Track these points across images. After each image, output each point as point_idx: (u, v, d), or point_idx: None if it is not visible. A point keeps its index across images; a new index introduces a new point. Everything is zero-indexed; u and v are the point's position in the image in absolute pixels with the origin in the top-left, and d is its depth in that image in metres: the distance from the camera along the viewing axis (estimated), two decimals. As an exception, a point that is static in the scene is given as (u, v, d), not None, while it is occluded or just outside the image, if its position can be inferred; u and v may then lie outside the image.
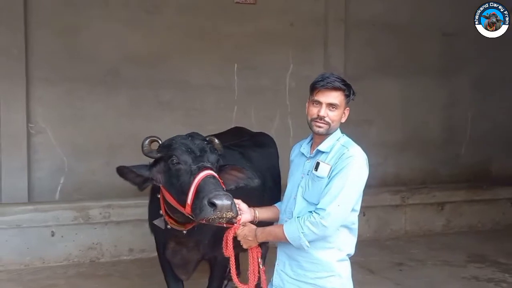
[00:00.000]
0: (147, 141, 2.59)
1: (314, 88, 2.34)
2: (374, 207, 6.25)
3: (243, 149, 3.53)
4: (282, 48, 6.46)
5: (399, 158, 7.05)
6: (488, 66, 7.30)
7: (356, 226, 2.41)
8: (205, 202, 2.19)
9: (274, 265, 2.52)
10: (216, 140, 2.74)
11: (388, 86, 6.95)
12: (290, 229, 2.27)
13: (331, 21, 6.62)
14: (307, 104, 2.41)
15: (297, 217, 2.29)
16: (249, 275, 2.46)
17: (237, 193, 3.05)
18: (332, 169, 2.28)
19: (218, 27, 6.16)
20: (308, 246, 2.26)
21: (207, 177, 2.32)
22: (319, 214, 2.21)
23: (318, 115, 2.31)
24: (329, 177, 2.28)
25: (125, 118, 5.85)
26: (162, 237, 2.97)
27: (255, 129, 4.62)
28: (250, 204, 2.96)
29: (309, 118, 2.36)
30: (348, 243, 2.38)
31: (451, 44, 7.14)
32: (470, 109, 7.37)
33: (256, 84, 6.36)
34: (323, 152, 2.36)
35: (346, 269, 2.39)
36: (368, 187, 7.46)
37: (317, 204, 2.27)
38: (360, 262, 5.21)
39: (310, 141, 2.49)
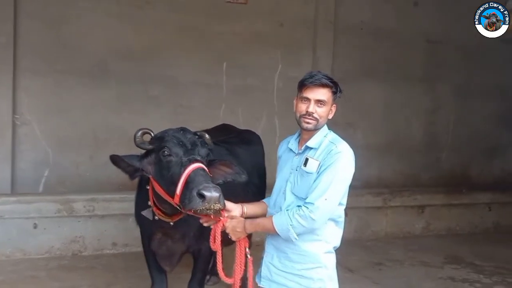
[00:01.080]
0: (139, 133, 2.64)
1: (303, 85, 2.41)
2: (357, 208, 6.36)
3: (229, 145, 3.59)
4: (271, 49, 6.53)
5: (382, 161, 7.18)
6: (470, 74, 7.49)
7: (342, 219, 2.51)
8: (194, 193, 2.24)
9: (261, 258, 2.57)
10: (207, 135, 2.80)
11: (373, 91, 7.08)
12: (279, 221, 2.34)
13: (321, 24, 6.72)
14: (295, 102, 2.48)
15: (286, 210, 2.36)
16: (235, 268, 2.50)
17: (223, 187, 3.12)
18: (320, 164, 2.36)
19: (209, 25, 6.19)
20: (296, 238, 2.33)
21: (197, 169, 2.38)
22: (308, 208, 2.29)
23: (307, 111, 2.38)
24: (318, 172, 2.35)
25: (112, 112, 5.84)
26: (148, 228, 3.01)
27: (242, 127, 4.69)
28: (234, 199, 3.02)
29: (298, 115, 2.43)
30: (334, 235, 2.47)
31: (435, 51, 7.31)
32: (451, 115, 7.55)
33: (244, 83, 6.41)
34: (311, 148, 2.43)
35: (332, 260, 2.47)
36: (351, 188, 7.57)
37: (305, 199, 2.34)
38: (340, 260, 5.18)
39: (297, 137, 2.56)
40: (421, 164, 7.37)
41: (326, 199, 2.30)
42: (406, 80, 7.23)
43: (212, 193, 2.23)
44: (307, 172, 2.37)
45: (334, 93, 2.43)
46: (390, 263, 5.39)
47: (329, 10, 6.71)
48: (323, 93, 2.38)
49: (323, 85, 2.38)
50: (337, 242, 2.50)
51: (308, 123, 2.39)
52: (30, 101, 5.58)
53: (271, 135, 6.22)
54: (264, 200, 2.71)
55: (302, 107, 2.40)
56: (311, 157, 2.39)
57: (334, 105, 2.47)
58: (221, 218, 2.45)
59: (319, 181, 2.32)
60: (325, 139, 2.43)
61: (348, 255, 5.50)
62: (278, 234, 2.36)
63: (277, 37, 6.55)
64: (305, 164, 2.39)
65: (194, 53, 6.14)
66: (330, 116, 2.47)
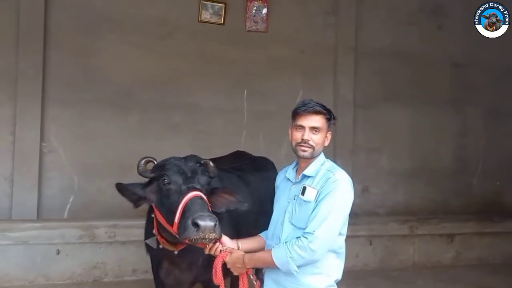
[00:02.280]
0: (142, 161, 2.68)
1: (296, 113, 2.43)
2: (382, 236, 6.18)
3: (242, 172, 3.57)
4: (291, 75, 6.56)
5: (409, 187, 6.98)
6: (500, 96, 7.25)
7: (343, 251, 2.43)
8: (189, 222, 2.23)
9: None
10: (211, 163, 2.79)
11: (398, 115, 6.95)
12: (278, 254, 2.28)
13: (341, 50, 6.71)
14: (290, 131, 2.49)
15: (285, 242, 2.31)
16: None
17: (234, 216, 3.10)
18: (318, 193, 2.32)
19: (229, 53, 6.30)
20: (297, 271, 2.26)
21: (194, 197, 2.37)
22: (307, 238, 2.23)
23: (302, 139, 2.38)
24: (316, 201, 2.32)
25: (135, 139, 5.96)
26: (156, 257, 3.01)
27: (263, 153, 4.67)
28: (247, 227, 2.99)
29: (294, 144, 2.44)
30: (336, 268, 2.39)
31: (462, 74, 7.14)
32: (482, 139, 7.28)
33: (265, 109, 6.43)
34: (309, 177, 2.41)
35: None
36: (376, 215, 7.39)
37: (304, 229, 2.29)
38: (363, 291, 5.14)
39: (295, 166, 2.55)
40: (451, 190, 7.11)
41: (326, 229, 2.24)
42: (432, 103, 7.06)
43: (207, 222, 2.21)
44: (305, 201, 2.34)
45: (328, 119, 2.43)
46: (417, 295, 5.17)
47: (349, 35, 6.70)
48: (317, 120, 2.39)
49: (317, 112, 2.39)
50: (338, 275, 2.42)
51: (304, 151, 2.39)
52: (57, 130, 5.78)
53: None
54: (261, 234, 2.66)
55: (297, 135, 2.40)
56: (309, 186, 2.37)
57: (329, 132, 2.47)
58: (221, 250, 2.41)
59: (318, 210, 2.27)
60: (322, 167, 2.41)
61: (372, 286, 5.35)
62: (278, 268, 2.30)
63: (298, 63, 6.59)
64: (303, 193, 2.36)
65: (214, 80, 6.24)
66: (326, 143, 2.46)
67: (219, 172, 2.98)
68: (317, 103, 2.42)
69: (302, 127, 2.39)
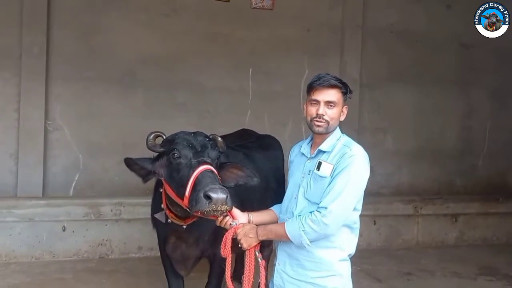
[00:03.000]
0: (151, 136, 2.66)
1: (311, 87, 2.37)
2: (386, 216, 6.21)
3: (247, 150, 3.56)
4: (297, 54, 6.49)
5: (414, 168, 6.97)
6: (506, 78, 7.18)
7: (357, 226, 2.41)
8: (201, 194, 2.22)
9: (273, 265, 2.52)
10: (219, 138, 2.78)
11: (403, 95, 6.89)
12: (291, 227, 2.28)
13: (348, 28, 6.63)
14: (304, 106, 2.44)
15: (299, 216, 2.30)
16: (244, 277, 2.43)
17: (240, 192, 3.10)
18: (334, 168, 2.29)
19: (235, 31, 6.22)
20: (308, 244, 2.26)
21: (205, 171, 2.36)
22: (320, 213, 2.22)
23: (317, 114, 2.33)
24: (332, 176, 2.28)
25: (140, 118, 5.93)
26: (163, 232, 3.02)
27: (268, 133, 4.61)
28: (252, 204, 2.99)
29: (308, 119, 2.38)
30: (349, 243, 2.38)
31: (469, 55, 7.06)
32: (488, 120, 7.24)
33: (270, 89, 6.39)
34: (324, 152, 2.37)
35: (347, 269, 2.39)
36: (381, 195, 7.39)
37: (318, 204, 2.28)
38: (367, 270, 5.18)
39: (310, 141, 2.50)
40: (455, 171, 7.09)
41: (340, 204, 2.22)
42: (438, 84, 7.00)
43: (219, 195, 2.21)
44: (321, 176, 2.31)
45: (344, 93, 2.37)
46: (421, 274, 5.19)
47: (356, 14, 6.61)
48: (332, 94, 2.33)
49: (332, 86, 2.33)
50: (352, 250, 2.41)
51: (319, 126, 2.34)
52: (62, 108, 5.76)
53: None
54: (273, 208, 2.64)
55: (312, 110, 2.35)
56: (324, 161, 2.33)
57: (345, 106, 2.41)
58: (232, 224, 2.41)
59: (333, 185, 2.25)
60: (338, 142, 2.37)
61: (377, 265, 5.37)
62: (291, 241, 2.30)
63: (304, 42, 6.51)
64: (318, 168, 2.33)
65: (219, 60, 6.19)
66: (342, 118, 2.41)
67: (226, 150, 2.97)
68: (333, 77, 2.35)
69: (317, 102, 2.33)
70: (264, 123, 6.32)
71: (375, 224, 6.11)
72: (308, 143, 2.51)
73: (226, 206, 2.24)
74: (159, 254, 5.16)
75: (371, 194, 6.60)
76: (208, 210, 2.22)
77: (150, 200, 5.24)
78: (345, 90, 2.37)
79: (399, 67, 6.83)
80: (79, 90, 5.82)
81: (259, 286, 2.53)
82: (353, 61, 6.65)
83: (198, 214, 2.32)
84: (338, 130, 2.43)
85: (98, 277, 4.73)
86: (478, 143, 7.25)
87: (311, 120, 2.37)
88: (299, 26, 6.50)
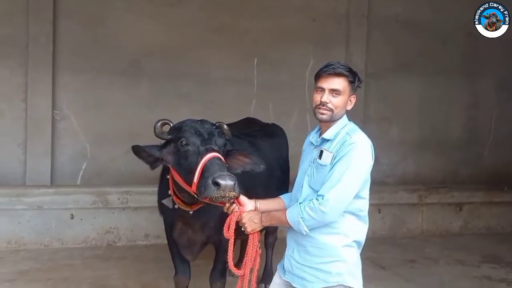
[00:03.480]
0: (159, 124, 2.70)
1: (318, 75, 2.37)
2: (390, 204, 6.24)
3: (252, 138, 3.60)
4: (302, 44, 6.49)
5: (419, 157, 6.98)
6: (512, 67, 7.15)
7: (365, 214, 2.40)
8: (210, 181, 2.27)
9: (283, 251, 2.55)
10: (225, 126, 2.82)
11: (409, 85, 6.89)
12: (291, 214, 2.32)
13: (353, 18, 6.62)
14: (313, 94, 2.43)
15: (300, 203, 2.33)
16: (245, 262, 2.48)
17: (245, 180, 3.14)
18: (334, 156, 2.30)
19: (239, 21, 6.23)
20: (306, 231, 2.28)
21: (213, 158, 2.41)
22: (318, 200, 2.23)
23: (321, 101, 2.33)
24: (331, 164, 2.30)
25: (146, 108, 5.98)
26: (170, 218, 3.08)
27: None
28: (257, 192, 3.03)
29: (313, 106, 2.39)
30: (355, 229, 2.37)
31: (475, 44, 7.01)
32: (494, 110, 7.23)
33: (275, 79, 6.40)
34: (328, 140, 2.38)
35: (352, 255, 2.37)
36: (385, 184, 7.40)
37: None
38: (372, 257, 5.22)
39: (318, 129, 2.51)
40: (460, 161, 7.10)
41: (338, 192, 2.23)
42: (444, 74, 6.98)
43: (227, 181, 2.25)
44: (321, 165, 2.33)
45: (351, 82, 2.35)
46: (424, 261, 5.24)
47: (362, 3, 6.60)
48: (338, 83, 2.31)
49: (338, 74, 2.31)
50: (359, 237, 2.40)
51: (322, 113, 2.34)
52: (69, 98, 5.82)
53: (303, 132, 6.14)
54: (282, 196, 2.66)
55: (317, 97, 2.35)
56: (325, 149, 2.34)
57: (353, 95, 2.39)
58: (237, 209, 2.46)
59: (332, 173, 2.26)
60: (342, 131, 2.36)
61: (381, 253, 5.42)
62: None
63: (309, 32, 6.51)
64: (320, 156, 2.35)
65: (224, 50, 6.20)
66: (349, 107, 2.40)
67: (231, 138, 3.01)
68: (341, 65, 2.34)
69: (322, 89, 2.33)
70: (269, 113, 6.33)
71: (379, 213, 6.15)
72: (317, 132, 2.52)
73: (234, 193, 2.29)
74: (165, 241, 5.25)
75: (375, 183, 6.54)
76: (216, 196, 2.27)
77: (156, 189, 5.33)
78: (353, 79, 2.35)
79: (404, 57, 6.82)
80: (86, 80, 5.87)
81: (251, 271, 2.55)
82: (358, 51, 6.64)
83: (206, 200, 2.37)
84: (344, 118, 2.42)
85: (107, 263, 4.81)
86: (484, 133, 7.24)
87: (316, 107, 2.37)
88: (304, 16, 6.50)
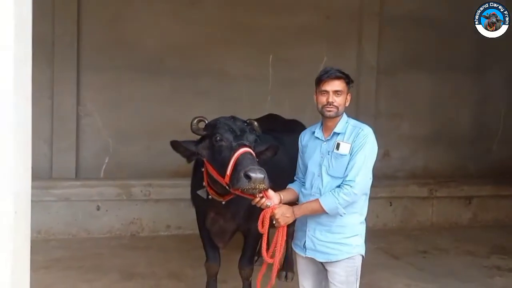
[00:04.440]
0: (195, 121, 2.94)
1: (320, 80, 2.77)
2: (401, 197, 6.44)
3: (276, 133, 3.81)
4: (316, 41, 6.67)
5: (429, 152, 7.16)
6: (522, 63, 7.29)
7: (369, 192, 2.85)
8: (242, 174, 2.52)
9: (295, 230, 2.93)
10: (255, 123, 3.05)
11: (420, 81, 7.06)
12: (327, 202, 2.68)
13: (366, 16, 6.78)
14: (315, 97, 2.83)
15: (330, 191, 2.68)
16: (276, 251, 2.76)
17: (271, 174, 3.37)
18: (352, 146, 2.71)
19: (255, 19, 6.42)
20: (345, 213, 2.69)
21: (245, 153, 2.66)
22: (350, 185, 2.64)
23: (328, 102, 2.73)
24: (351, 153, 2.71)
25: (166, 105, 6.20)
26: (203, 208, 3.30)
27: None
28: (281, 184, 3.26)
29: (320, 106, 2.78)
30: (365, 207, 2.84)
31: (485, 40, 7.11)
32: (503, 105, 7.39)
33: (290, 76, 6.58)
34: (339, 134, 2.78)
35: (364, 229, 2.85)
36: (396, 178, 7.53)
37: (341, 178, 2.70)
38: (385, 248, 5.44)
39: (321, 126, 2.89)
40: (470, 155, 7.27)
41: (363, 175, 2.67)
42: (454, 70, 7.14)
43: (257, 174, 2.50)
44: (341, 155, 2.72)
45: (347, 83, 2.79)
46: (435, 252, 5.44)
47: (374, 1, 6.76)
48: (338, 84, 2.74)
49: (338, 78, 2.74)
50: (366, 213, 2.85)
51: (330, 111, 2.74)
52: (92, 95, 6.06)
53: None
54: (291, 186, 2.99)
55: (323, 99, 2.75)
56: (341, 141, 2.74)
57: (349, 94, 2.81)
58: (268, 204, 2.69)
59: (355, 160, 2.67)
60: (348, 125, 2.79)
61: (393, 243, 5.63)
62: (324, 213, 2.69)
63: (323, 30, 6.69)
64: (337, 148, 2.73)
65: (241, 47, 6.40)
66: (347, 104, 2.82)
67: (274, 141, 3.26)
68: (337, 70, 2.75)
69: (327, 92, 2.73)
70: (285, 109, 6.50)
71: (391, 205, 6.36)
72: (320, 128, 2.89)
73: (263, 185, 2.54)
74: (186, 233, 5.53)
75: (387, 177, 6.87)
76: (247, 188, 2.52)
77: (177, 182, 5.55)
78: (348, 80, 2.78)
79: (415, 54, 6.98)
80: (108, 77, 6.09)
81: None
82: (370, 48, 6.82)
83: (238, 192, 2.62)
84: (345, 114, 2.84)
85: (133, 252, 5.07)
86: (493, 128, 7.41)
87: (322, 107, 2.76)
88: (318, 13, 6.67)
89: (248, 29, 6.42)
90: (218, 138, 2.80)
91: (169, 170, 5.88)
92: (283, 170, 3.36)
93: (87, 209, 5.52)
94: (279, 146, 3.11)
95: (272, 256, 2.75)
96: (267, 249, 2.73)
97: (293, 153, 3.77)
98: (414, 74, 7.01)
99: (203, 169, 3.02)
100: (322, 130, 2.86)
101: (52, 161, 5.93)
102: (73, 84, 5.91)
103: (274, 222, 2.74)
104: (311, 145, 2.91)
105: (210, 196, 3.05)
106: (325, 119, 2.79)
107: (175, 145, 2.89)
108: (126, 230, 5.61)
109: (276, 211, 2.70)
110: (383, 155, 6.88)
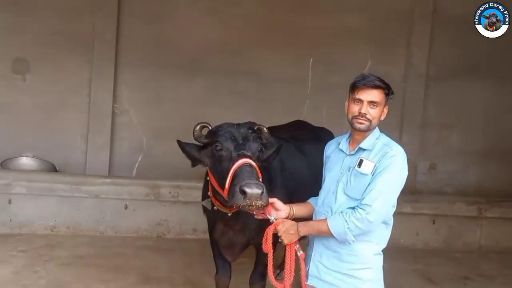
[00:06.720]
0: (198, 127, 2.74)
1: (355, 87, 2.41)
2: (447, 216, 5.93)
3: (299, 142, 3.57)
4: (360, 44, 6.33)
5: (481, 168, 6.60)
6: None
7: (392, 222, 2.47)
8: (237, 189, 2.28)
9: (305, 255, 2.56)
10: (265, 129, 2.81)
11: (474, 90, 6.51)
12: (335, 224, 2.34)
13: (417, 17, 6.35)
14: (346, 103, 2.49)
15: (341, 212, 2.35)
16: (285, 273, 2.49)
17: (289, 184, 3.12)
18: (376, 166, 2.35)
19: (296, 19, 6.18)
20: (353, 241, 2.34)
21: (243, 165, 2.40)
22: (364, 210, 2.29)
23: (360, 112, 2.38)
24: (373, 174, 2.35)
25: (201, 105, 6.10)
26: (211, 218, 3.13)
27: (325, 125, 4.60)
28: (300, 196, 3.01)
29: (350, 116, 2.44)
30: (384, 237, 2.46)
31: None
32: None
33: (330, 79, 6.28)
34: (365, 150, 2.43)
35: (380, 262, 2.47)
36: (442, 194, 7.01)
37: (358, 199, 2.35)
38: (422, 270, 5.02)
39: (348, 138, 2.55)
40: (528, 173, 6.61)
41: (383, 201, 2.30)
42: (512, 79, 6.52)
43: (253, 190, 2.24)
44: (362, 173, 2.37)
45: (387, 94, 2.42)
46: (479, 278, 4.94)
47: (427, 1, 6.29)
48: (376, 95, 2.38)
49: (376, 87, 2.38)
50: (385, 244, 2.48)
51: (361, 123, 2.39)
52: (129, 93, 6.09)
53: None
54: (310, 200, 2.69)
55: (355, 108, 2.40)
56: (365, 159, 2.39)
57: (386, 106, 2.45)
58: (270, 218, 2.46)
59: (376, 183, 2.31)
60: (378, 142, 2.43)
61: (432, 266, 5.18)
62: (332, 236, 2.36)
63: (368, 32, 6.33)
64: (359, 165, 2.39)
65: (280, 49, 6.19)
66: (382, 118, 2.45)
67: (277, 140, 3.00)
68: (377, 77, 2.40)
69: (360, 101, 2.39)
70: (322, 114, 6.25)
71: (434, 223, 5.88)
72: (347, 140, 2.55)
73: (261, 202, 2.27)
74: (212, 238, 5.32)
75: (431, 192, 6.39)
76: (243, 204, 2.28)
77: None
78: (388, 91, 2.41)
79: (470, 60, 6.44)
80: (145, 76, 6.10)
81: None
82: (420, 52, 6.38)
83: (235, 207, 2.39)
84: (377, 129, 2.48)
85: (156, 254, 4.99)
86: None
87: (353, 118, 2.42)
88: (364, 15, 6.34)
89: (288, 30, 6.20)
90: (218, 147, 2.58)
91: (200, 172, 5.74)
92: (302, 181, 3.12)
93: (116, 208, 5.52)
94: (282, 144, 2.85)
95: (279, 278, 2.52)
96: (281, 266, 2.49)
97: (316, 163, 3.52)
98: (468, 82, 6.48)
99: (208, 178, 2.83)
100: (349, 142, 2.53)
101: (87, 157, 6.01)
102: (110, 81, 5.96)
103: (280, 240, 2.48)
104: (334, 157, 2.59)
105: (215, 207, 2.85)
106: (354, 131, 2.46)
107: (181, 145, 2.73)
108: (152, 231, 5.56)
109: (279, 227, 2.45)
110: (428, 168, 6.41)
